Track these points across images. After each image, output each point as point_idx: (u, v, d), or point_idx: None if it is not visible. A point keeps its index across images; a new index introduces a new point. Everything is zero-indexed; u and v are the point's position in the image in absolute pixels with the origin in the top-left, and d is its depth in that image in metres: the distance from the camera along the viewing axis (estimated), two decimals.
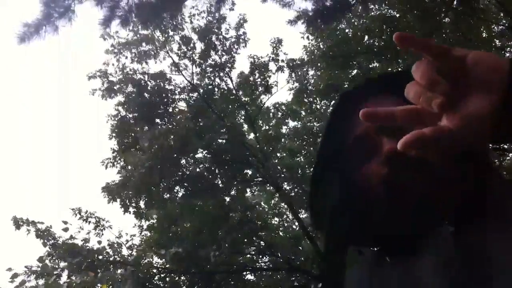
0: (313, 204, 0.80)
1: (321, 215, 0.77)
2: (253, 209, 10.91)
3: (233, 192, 11.03)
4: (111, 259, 8.71)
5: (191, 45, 10.84)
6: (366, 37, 9.00)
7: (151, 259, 9.14)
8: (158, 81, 10.81)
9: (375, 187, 0.66)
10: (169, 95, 10.73)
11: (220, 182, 10.62)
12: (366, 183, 0.67)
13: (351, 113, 0.69)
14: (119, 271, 8.26)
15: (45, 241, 8.41)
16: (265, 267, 11.20)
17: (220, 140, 10.52)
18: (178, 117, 10.60)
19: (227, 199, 10.74)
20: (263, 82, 11.29)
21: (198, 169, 10.45)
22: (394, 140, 0.59)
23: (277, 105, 12.28)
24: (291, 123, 12.39)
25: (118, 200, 9.76)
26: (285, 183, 11.04)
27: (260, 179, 11.11)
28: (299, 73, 11.25)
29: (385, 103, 0.62)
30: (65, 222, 8.35)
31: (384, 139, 0.66)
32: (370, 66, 9.60)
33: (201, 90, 10.90)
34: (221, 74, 11.06)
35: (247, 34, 11.03)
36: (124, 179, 9.73)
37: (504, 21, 8.34)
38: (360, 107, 0.56)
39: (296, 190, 11.20)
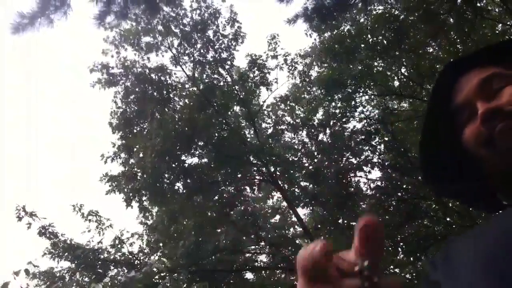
0: (424, 165, 0.85)
1: (433, 175, 0.84)
2: (253, 206, 10.84)
3: (233, 190, 10.97)
4: (111, 258, 8.71)
5: (192, 41, 10.70)
6: (369, 35, 8.88)
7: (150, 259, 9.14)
8: (159, 74, 10.68)
9: (476, 146, 0.71)
10: (170, 90, 10.61)
11: (220, 178, 10.57)
12: (469, 144, 0.73)
13: (455, 81, 0.77)
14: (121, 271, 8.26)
15: (48, 238, 8.36)
16: (265, 266, 11.16)
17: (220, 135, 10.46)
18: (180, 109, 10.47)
19: (227, 196, 10.70)
20: (262, 80, 11.18)
21: (198, 161, 10.41)
22: (491, 102, 0.68)
23: (277, 101, 12.11)
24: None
25: (122, 193, 9.64)
26: (285, 180, 10.97)
27: (258, 177, 11.06)
28: (301, 67, 11.12)
29: (485, 72, 0.72)
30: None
31: (480, 102, 0.70)
32: (373, 64, 9.47)
33: (201, 86, 10.78)
34: (220, 70, 10.95)
35: (243, 29, 10.92)
36: (128, 171, 9.63)
37: (508, 21, 8.22)
38: (463, 75, 0.73)
39: (295, 187, 11.13)
